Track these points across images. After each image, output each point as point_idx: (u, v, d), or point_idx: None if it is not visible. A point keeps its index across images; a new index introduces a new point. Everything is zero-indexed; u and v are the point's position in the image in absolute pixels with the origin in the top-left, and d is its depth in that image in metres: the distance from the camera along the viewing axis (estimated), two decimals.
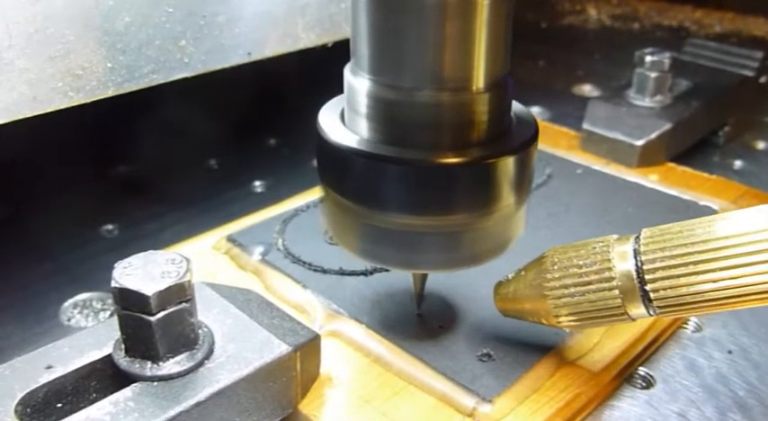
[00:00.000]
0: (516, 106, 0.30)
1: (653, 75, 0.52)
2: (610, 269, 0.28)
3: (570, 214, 0.43)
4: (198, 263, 0.39)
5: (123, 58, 0.37)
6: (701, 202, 0.46)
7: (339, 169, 0.28)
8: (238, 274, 0.38)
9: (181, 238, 0.42)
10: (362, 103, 0.27)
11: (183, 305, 0.25)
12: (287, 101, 0.62)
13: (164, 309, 0.25)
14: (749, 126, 0.61)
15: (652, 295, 0.28)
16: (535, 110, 0.64)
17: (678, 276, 0.27)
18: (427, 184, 0.27)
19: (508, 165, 0.27)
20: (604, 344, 0.33)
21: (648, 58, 0.52)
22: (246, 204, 0.48)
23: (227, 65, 0.42)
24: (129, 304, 0.25)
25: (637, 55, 0.52)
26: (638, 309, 0.28)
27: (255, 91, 0.62)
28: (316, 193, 0.44)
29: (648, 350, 0.34)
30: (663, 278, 0.27)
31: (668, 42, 0.77)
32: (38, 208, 0.48)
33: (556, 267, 0.30)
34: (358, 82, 0.27)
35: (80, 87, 0.36)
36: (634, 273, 0.28)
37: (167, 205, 0.49)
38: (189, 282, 0.25)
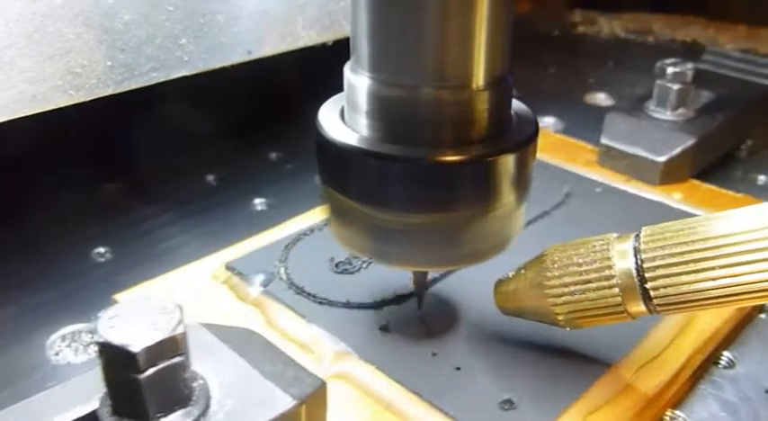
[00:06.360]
0: (516, 104, 0.30)
1: (675, 87, 0.49)
2: (610, 267, 0.28)
3: None
4: (196, 294, 0.37)
5: (123, 56, 0.37)
6: None
7: (338, 167, 0.28)
8: (238, 307, 0.35)
9: (178, 263, 0.40)
10: (362, 101, 0.27)
11: (177, 359, 0.23)
12: (289, 112, 0.60)
13: (154, 366, 0.22)
14: None
15: (652, 293, 0.27)
16: (548, 120, 0.61)
17: (678, 274, 0.27)
18: (427, 182, 0.26)
19: (509, 162, 0.27)
20: (636, 387, 0.31)
21: (670, 70, 0.49)
22: (247, 225, 0.46)
23: (227, 63, 0.42)
24: (115, 361, 0.22)
25: (657, 66, 0.50)
26: (638, 307, 0.28)
27: (255, 100, 0.59)
28: (319, 214, 0.42)
29: (680, 391, 0.32)
30: (663, 276, 0.27)
31: (684, 54, 0.75)
32: (23, 228, 0.45)
33: (556, 266, 0.29)
34: (358, 80, 0.27)
35: (80, 85, 0.36)
36: (634, 272, 0.28)
37: (163, 225, 0.47)
38: (183, 334, 0.23)
